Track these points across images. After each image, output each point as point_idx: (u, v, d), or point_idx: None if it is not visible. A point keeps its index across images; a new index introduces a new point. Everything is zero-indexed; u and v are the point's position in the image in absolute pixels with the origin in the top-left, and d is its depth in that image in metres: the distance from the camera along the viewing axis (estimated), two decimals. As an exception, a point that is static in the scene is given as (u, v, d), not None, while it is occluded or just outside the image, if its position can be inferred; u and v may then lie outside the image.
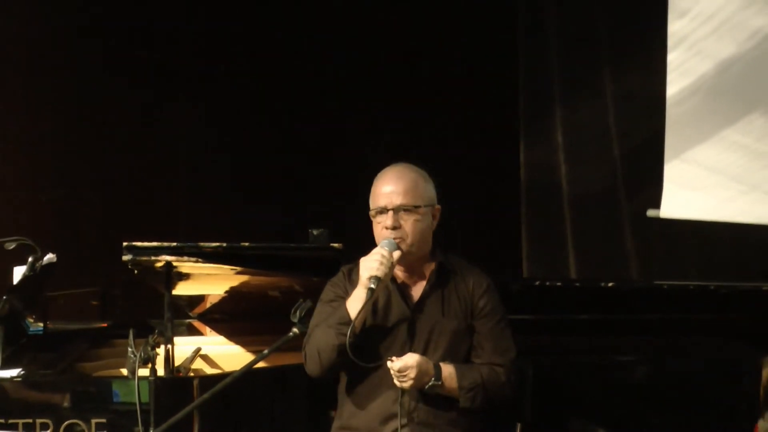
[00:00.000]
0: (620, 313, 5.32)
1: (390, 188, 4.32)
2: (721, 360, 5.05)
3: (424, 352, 4.28)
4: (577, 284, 5.94)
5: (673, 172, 5.64)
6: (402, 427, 4.28)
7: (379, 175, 4.39)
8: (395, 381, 4.23)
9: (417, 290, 4.39)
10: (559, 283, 5.83)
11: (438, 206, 4.39)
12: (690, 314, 5.27)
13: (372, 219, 4.37)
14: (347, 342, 4.17)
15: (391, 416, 4.29)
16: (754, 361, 4.91)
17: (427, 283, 4.39)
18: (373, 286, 4.20)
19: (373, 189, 4.37)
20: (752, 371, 4.90)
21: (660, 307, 5.34)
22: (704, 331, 5.21)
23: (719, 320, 5.23)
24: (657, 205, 5.69)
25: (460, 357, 4.37)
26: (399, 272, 4.36)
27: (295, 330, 4.27)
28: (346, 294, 4.35)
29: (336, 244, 4.83)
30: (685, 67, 5.60)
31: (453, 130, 7.00)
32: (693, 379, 4.97)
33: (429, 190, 4.38)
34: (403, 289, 4.38)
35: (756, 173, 5.43)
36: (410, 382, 4.21)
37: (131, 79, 6.57)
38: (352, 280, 4.38)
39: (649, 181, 5.79)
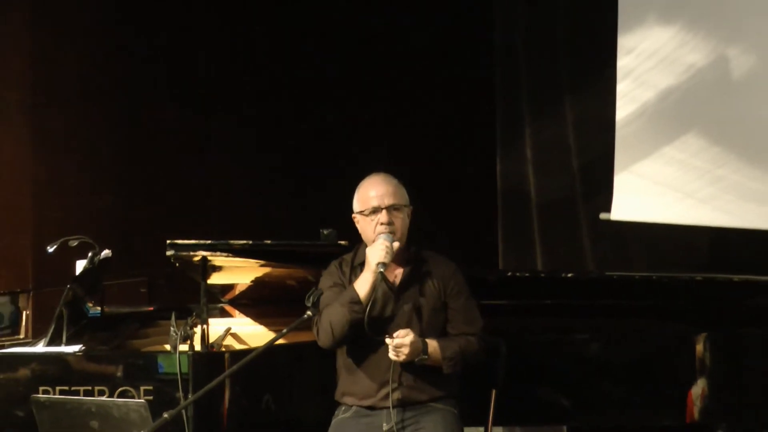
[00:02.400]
0: (578, 299, 5.32)
1: (380, 191, 4.36)
2: (661, 337, 5.06)
3: (408, 328, 4.32)
4: (543, 275, 5.93)
5: (622, 182, 5.65)
6: (393, 390, 4.31)
7: (364, 182, 4.43)
8: (391, 355, 4.26)
9: (398, 277, 4.42)
10: (527, 274, 5.84)
11: (410, 207, 4.43)
12: (636, 300, 5.28)
13: (360, 219, 4.40)
14: (365, 318, 4.21)
15: (384, 382, 4.33)
16: (688, 339, 4.92)
17: (405, 271, 4.42)
18: (381, 270, 4.24)
19: (361, 193, 4.41)
20: (687, 347, 4.91)
21: (611, 294, 5.33)
22: (647, 313, 5.23)
23: (660, 305, 5.24)
24: (608, 209, 5.69)
25: (438, 329, 4.41)
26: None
27: (308, 313, 4.28)
28: (341, 281, 4.41)
29: (342, 242, 4.81)
30: (631, 96, 5.60)
31: (441, 146, 7.02)
32: (638, 353, 4.99)
33: (406, 193, 4.42)
34: (386, 277, 4.38)
35: (690, 183, 5.43)
36: (404, 357, 4.25)
37: (170, 104, 6.59)
38: (343, 271, 4.45)
39: (602, 189, 5.79)
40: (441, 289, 4.43)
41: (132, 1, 6.45)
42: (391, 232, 4.33)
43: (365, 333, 4.27)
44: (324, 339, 4.38)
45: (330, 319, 4.33)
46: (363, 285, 4.30)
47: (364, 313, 4.25)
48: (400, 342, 4.24)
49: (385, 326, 4.35)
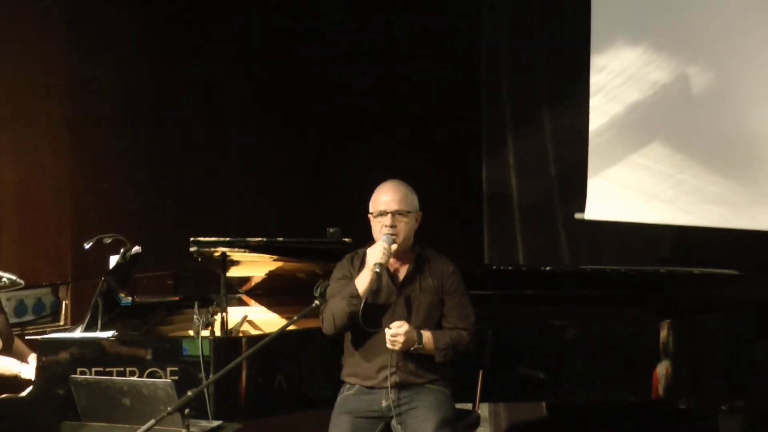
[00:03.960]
0: (555, 290, 5.35)
1: (389, 197, 4.38)
2: (629, 323, 5.06)
3: (407, 319, 4.34)
4: (524, 268, 5.96)
5: (595, 186, 5.65)
6: (392, 374, 4.34)
7: (379, 186, 4.44)
8: (387, 344, 4.28)
9: (401, 273, 4.44)
10: (510, 268, 5.87)
11: (420, 212, 4.44)
12: (606, 290, 5.30)
13: (371, 219, 4.41)
14: (360, 311, 4.22)
15: (384, 366, 4.35)
16: (653, 325, 4.93)
17: (409, 268, 4.44)
18: (378, 270, 4.25)
19: (374, 196, 4.42)
20: (652, 332, 4.92)
21: (584, 285, 5.37)
22: (617, 302, 5.24)
23: (628, 294, 5.26)
24: (582, 210, 5.70)
25: (434, 322, 4.43)
26: (390, 260, 4.39)
27: (316, 302, 4.30)
28: (350, 274, 4.41)
29: (347, 239, 4.82)
30: (603, 109, 5.60)
31: (436, 155, 7.04)
32: (608, 337, 4.99)
33: (415, 201, 4.42)
34: (392, 273, 4.42)
35: (655, 187, 5.43)
36: (399, 346, 4.27)
37: (193, 118, 6.59)
38: (353, 264, 4.46)
39: (576, 192, 5.78)
40: (439, 286, 4.44)
41: (159, 27, 6.44)
42: (394, 234, 4.34)
43: (363, 324, 4.28)
44: (327, 327, 4.40)
45: (332, 310, 4.35)
46: (362, 281, 4.31)
47: (361, 306, 4.26)
48: (395, 332, 4.26)
49: (386, 316, 4.37)
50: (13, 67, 5.89)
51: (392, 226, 4.35)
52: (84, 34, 6.12)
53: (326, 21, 7.00)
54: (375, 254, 4.30)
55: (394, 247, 4.34)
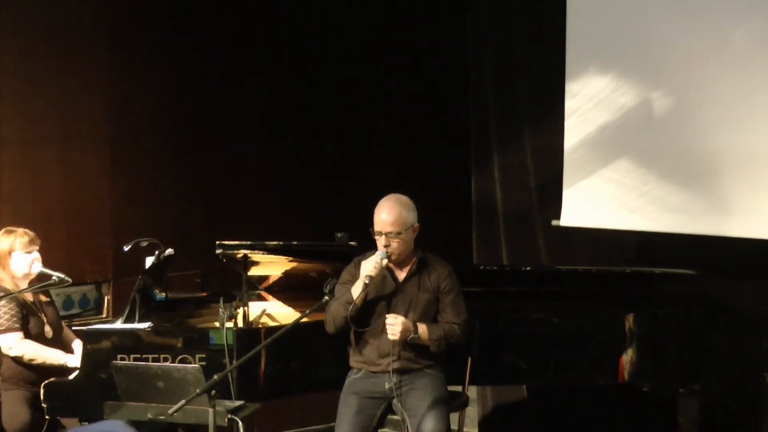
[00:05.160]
0: (535, 287, 5.38)
1: (383, 218, 4.39)
2: (599, 316, 5.09)
3: (405, 315, 4.39)
4: (507, 268, 5.99)
5: (569, 196, 5.66)
6: (393, 361, 4.40)
7: (380, 204, 4.45)
8: (388, 334, 4.33)
9: (402, 274, 4.49)
10: (495, 268, 5.93)
11: (417, 225, 4.45)
12: (579, 287, 5.34)
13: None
14: (348, 315, 4.29)
15: (387, 354, 4.41)
16: (620, 317, 4.96)
17: (410, 270, 4.48)
18: (367, 281, 4.30)
19: (375, 214, 4.44)
20: (619, 323, 4.95)
21: (560, 283, 5.41)
22: (588, 298, 5.27)
23: (598, 291, 5.29)
24: (558, 217, 5.72)
25: (431, 317, 4.47)
26: (392, 264, 4.45)
27: (326, 298, 4.36)
28: (354, 278, 4.44)
29: (353, 243, 4.87)
30: (576, 129, 5.62)
31: (430, 170, 7.04)
32: (581, 328, 5.02)
33: (410, 217, 4.41)
34: (394, 274, 4.48)
35: (622, 197, 5.44)
36: (397, 335, 4.32)
37: (217, 136, 6.60)
38: (358, 268, 4.48)
39: (553, 201, 5.80)
40: (437, 286, 4.47)
41: (192, 56, 6.45)
42: (390, 251, 4.37)
43: (355, 326, 4.36)
44: (329, 327, 4.48)
45: (332, 314, 4.42)
46: (356, 290, 4.36)
47: (356, 311, 4.32)
48: (392, 321, 4.31)
49: (388, 311, 4.41)
50: (61, 93, 5.94)
51: (386, 246, 4.38)
52: (124, 63, 6.17)
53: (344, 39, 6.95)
54: (367, 267, 4.36)
55: (385, 262, 4.39)
